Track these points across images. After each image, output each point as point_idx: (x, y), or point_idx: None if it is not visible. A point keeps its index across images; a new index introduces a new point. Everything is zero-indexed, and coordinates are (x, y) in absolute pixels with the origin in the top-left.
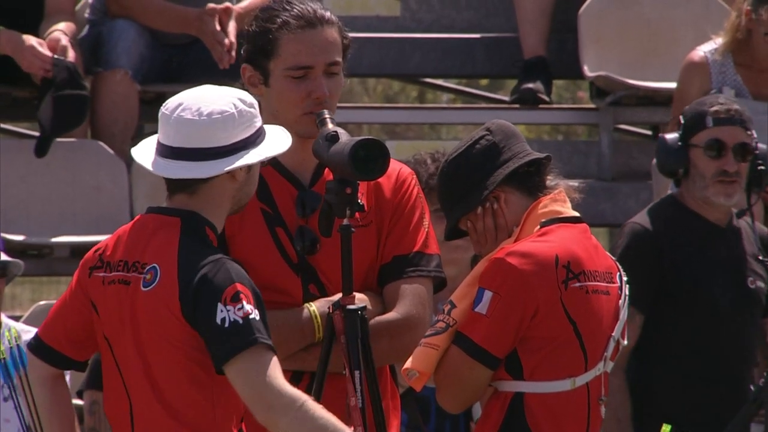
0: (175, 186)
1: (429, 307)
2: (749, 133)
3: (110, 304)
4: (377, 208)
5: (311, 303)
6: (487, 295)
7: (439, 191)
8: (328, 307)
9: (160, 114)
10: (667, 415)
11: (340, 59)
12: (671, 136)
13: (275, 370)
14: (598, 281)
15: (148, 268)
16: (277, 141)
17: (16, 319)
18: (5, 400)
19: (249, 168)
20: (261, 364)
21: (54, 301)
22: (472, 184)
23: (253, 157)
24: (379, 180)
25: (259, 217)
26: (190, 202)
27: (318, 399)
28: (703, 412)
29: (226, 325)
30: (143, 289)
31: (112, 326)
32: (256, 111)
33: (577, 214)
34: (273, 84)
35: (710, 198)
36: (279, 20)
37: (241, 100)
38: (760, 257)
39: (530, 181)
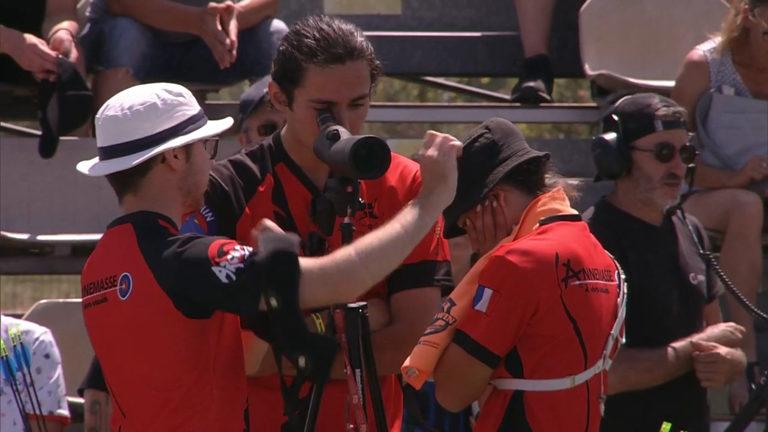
0: (120, 188)
1: (434, 313)
2: (690, 134)
3: (92, 325)
4: (390, 212)
5: (317, 315)
6: (487, 293)
7: None
8: (329, 306)
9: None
10: (632, 420)
11: (366, 92)
12: (610, 136)
13: (299, 258)
14: (597, 279)
15: (120, 278)
16: (210, 126)
17: (18, 317)
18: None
19: (187, 157)
20: (292, 285)
21: (55, 300)
22: (471, 182)
23: (175, 142)
24: (394, 184)
25: (272, 220)
26: (136, 200)
27: (319, 397)
28: (666, 412)
29: (234, 278)
30: (121, 298)
31: (99, 346)
32: (186, 99)
33: (575, 212)
34: (296, 109)
35: (655, 200)
36: (307, 49)
37: (167, 90)
38: (700, 251)
39: (529, 179)
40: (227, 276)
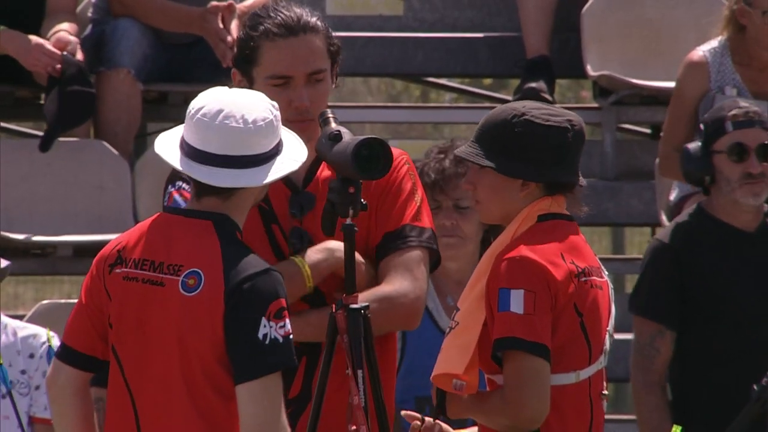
0: (206, 189)
1: (422, 274)
2: None
3: (130, 301)
4: (364, 191)
5: (296, 255)
6: (517, 294)
7: (495, 132)
8: (332, 307)
9: (195, 119)
10: (704, 428)
11: (324, 67)
12: (693, 144)
13: (282, 400)
14: (594, 276)
15: (188, 272)
16: (297, 146)
17: (20, 318)
18: (3, 397)
19: None
20: (279, 391)
21: (57, 300)
22: (524, 157)
23: (291, 165)
24: None
25: (256, 213)
26: (222, 205)
27: (321, 396)
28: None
29: (267, 341)
30: (185, 293)
31: (126, 324)
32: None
33: (568, 213)
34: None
35: (739, 200)
36: (261, 27)
37: (272, 105)
38: None
39: (555, 191)
40: (264, 335)
